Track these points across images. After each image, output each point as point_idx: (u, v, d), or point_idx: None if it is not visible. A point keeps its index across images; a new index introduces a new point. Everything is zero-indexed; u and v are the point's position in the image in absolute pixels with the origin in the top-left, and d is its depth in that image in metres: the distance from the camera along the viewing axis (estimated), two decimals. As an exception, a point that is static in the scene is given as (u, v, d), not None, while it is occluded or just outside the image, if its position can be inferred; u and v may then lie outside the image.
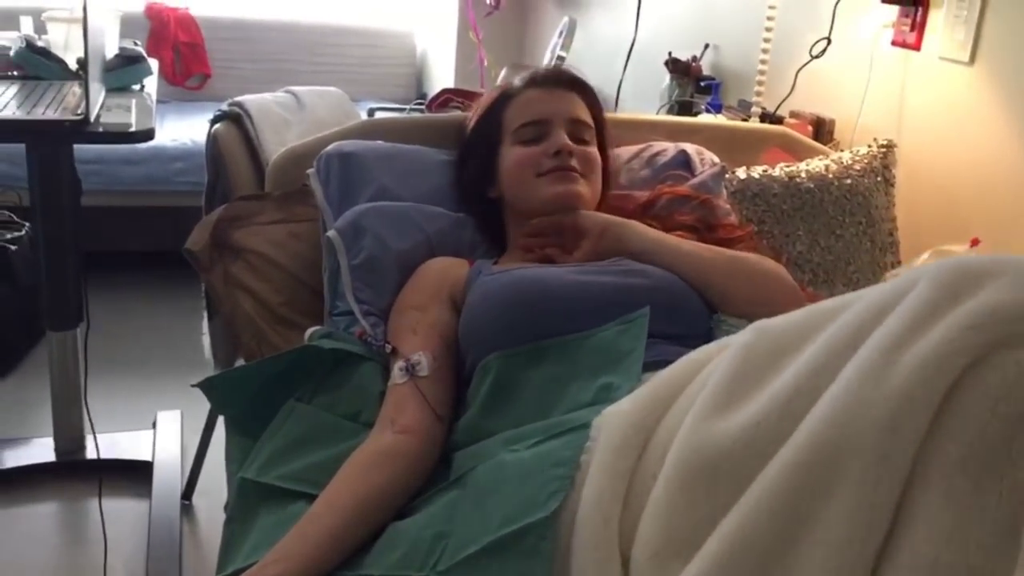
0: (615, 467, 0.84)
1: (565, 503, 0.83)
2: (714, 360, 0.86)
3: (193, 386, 1.22)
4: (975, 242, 1.53)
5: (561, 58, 2.62)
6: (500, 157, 1.38)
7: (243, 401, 1.22)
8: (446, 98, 2.27)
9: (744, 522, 0.71)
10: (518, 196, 1.36)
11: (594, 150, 1.38)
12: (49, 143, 1.85)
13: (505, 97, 1.41)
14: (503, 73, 3.02)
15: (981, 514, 0.64)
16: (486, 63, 3.34)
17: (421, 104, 2.73)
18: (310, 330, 1.29)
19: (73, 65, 2.01)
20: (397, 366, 1.16)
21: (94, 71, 1.67)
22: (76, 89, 1.85)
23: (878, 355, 0.70)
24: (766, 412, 0.74)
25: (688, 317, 1.17)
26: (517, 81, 1.42)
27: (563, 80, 1.42)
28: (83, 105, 1.62)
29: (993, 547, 0.64)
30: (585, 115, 1.39)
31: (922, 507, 0.66)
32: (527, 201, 1.34)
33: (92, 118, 1.61)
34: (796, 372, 0.75)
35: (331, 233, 1.37)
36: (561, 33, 2.68)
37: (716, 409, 0.79)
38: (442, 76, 3.95)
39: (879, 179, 1.69)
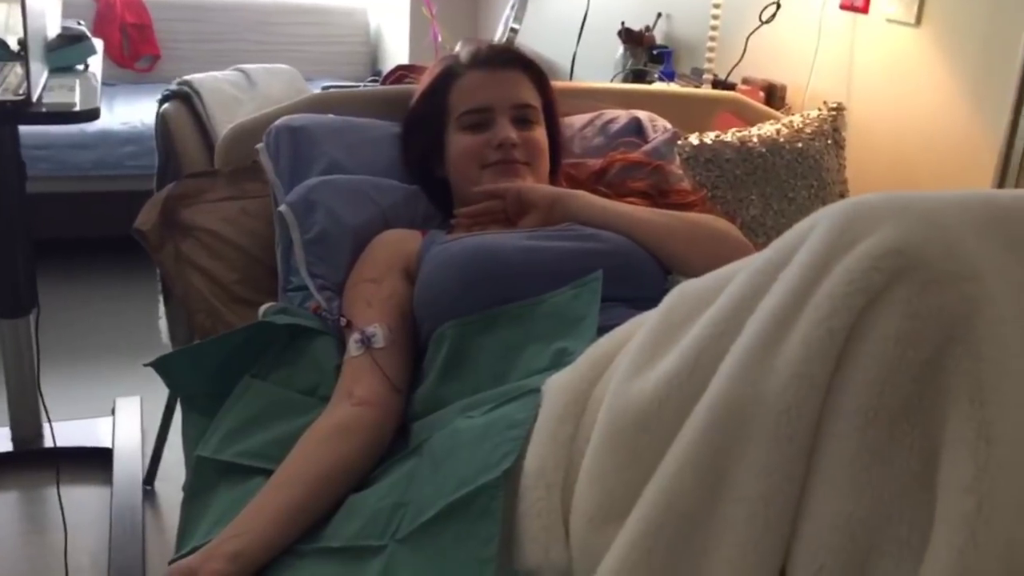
0: (556, 435, 0.84)
1: (513, 469, 0.83)
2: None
3: (146, 365, 1.20)
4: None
5: (514, 31, 2.60)
6: (446, 141, 1.37)
7: (198, 380, 1.21)
8: (400, 75, 2.24)
9: (668, 484, 0.71)
10: (463, 184, 1.36)
11: (539, 133, 1.37)
12: (-9, 125, 1.81)
13: (449, 76, 1.39)
14: (457, 48, 3.00)
15: (893, 466, 0.64)
16: (440, 38, 3.31)
17: (376, 81, 2.70)
18: (264, 306, 1.29)
19: (14, 46, 1.96)
20: (353, 339, 1.16)
21: (35, 51, 1.63)
22: (18, 70, 1.80)
23: (780, 303, 0.69)
24: (677, 367, 0.74)
25: (643, 280, 1.18)
26: (463, 56, 1.40)
27: (507, 60, 1.40)
28: (25, 86, 1.58)
29: (907, 497, 0.64)
30: (530, 96, 1.38)
31: (835, 460, 0.65)
32: (472, 194, 1.33)
33: (35, 98, 1.57)
34: (704, 324, 0.74)
35: (283, 208, 1.35)
36: (513, 5, 2.65)
37: (637, 371, 0.78)
38: (396, 52, 3.91)
39: (829, 142, 1.71)
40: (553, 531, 0.80)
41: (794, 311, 0.68)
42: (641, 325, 0.87)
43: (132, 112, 3.24)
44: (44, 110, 1.59)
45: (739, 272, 0.76)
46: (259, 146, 1.44)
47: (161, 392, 1.69)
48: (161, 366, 1.20)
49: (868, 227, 0.67)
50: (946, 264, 0.64)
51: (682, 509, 0.70)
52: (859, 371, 0.65)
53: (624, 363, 0.81)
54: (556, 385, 0.89)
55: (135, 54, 3.82)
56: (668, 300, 0.83)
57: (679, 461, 0.71)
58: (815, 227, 0.71)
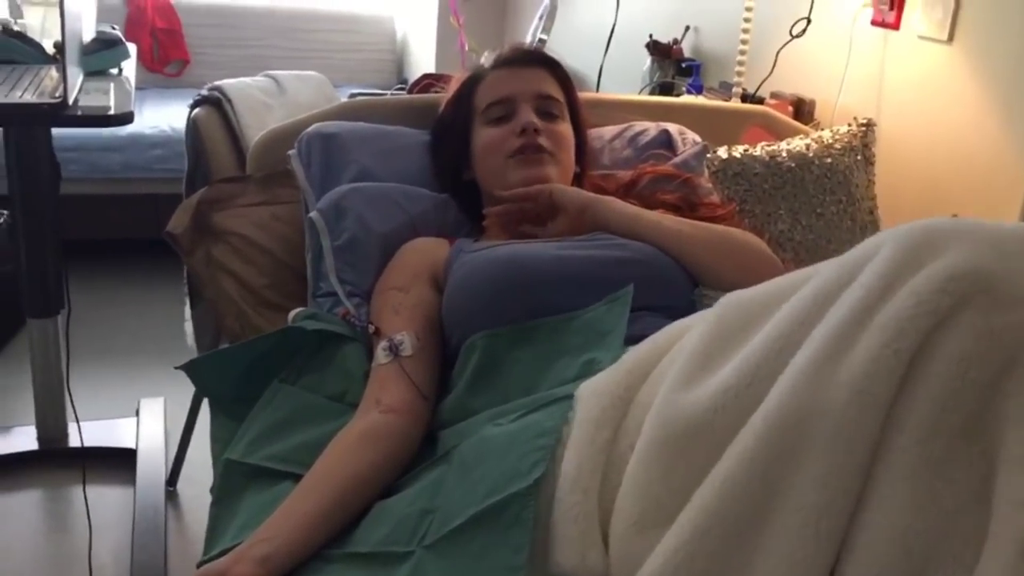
0: (594, 440, 0.84)
1: (546, 475, 0.83)
2: (688, 333, 0.87)
3: (177, 368, 1.21)
4: (954, 219, 1.54)
5: (542, 41, 2.61)
6: (472, 140, 1.38)
7: (227, 383, 1.22)
8: (427, 83, 2.25)
9: (718, 491, 0.71)
10: (489, 179, 1.36)
11: (564, 126, 1.38)
12: (27, 126, 1.83)
13: (474, 80, 1.41)
14: (484, 57, 3.01)
15: (952, 482, 0.65)
16: (467, 47, 3.32)
17: (402, 89, 2.71)
18: (294, 311, 1.29)
19: (50, 49, 1.98)
20: (380, 346, 1.16)
21: (71, 54, 1.65)
22: (54, 73, 1.82)
23: (845, 320, 0.69)
24: (735, 379, 0.74)
25: (671, 290, 1.18)
26: (486, 63, 1.42)
27: (530, 58, 1.42)
28: (61, 88, 1.60)
29: (963, 513, 0.64)
30: (553, 90, 1.39)
31: (894, 474, 0.66)
32: (498, 185, 1.34)
33: (70, 101, 1.59)
34: (764, 338, 0.75)
35: (313, 214, 1.36)
36: (541, 16, 2.66)
37: (688, 380, 0.79)
38: (423, 61, 3.93)
39: (859, 158, 1.70)
40: (590, 536, 0.80)
41: (857, 329, 0.69)
42: (682, 333, 0.88)
43: (161, 116, 3.28)
44: (79, 113, 1.61)
45: (801, 287, 0.76)
46: (291, 152, 1.46)
47: (185, 393, 1.70)
48: (191, 369, 1.22)
49: (935, 250, 0.69)
50: (1012, 289, 0.66)
51: (731, 516, 0.70)
52: (922, 388, 0.66)
53: (674, 372, 0.81)
54: (591, 390, 0.89)
55: (165, 59, 3.86)
56: (719, 310, 0.83)
57: (732, 468, 0.71)
58: (881, 248, 0.72)
